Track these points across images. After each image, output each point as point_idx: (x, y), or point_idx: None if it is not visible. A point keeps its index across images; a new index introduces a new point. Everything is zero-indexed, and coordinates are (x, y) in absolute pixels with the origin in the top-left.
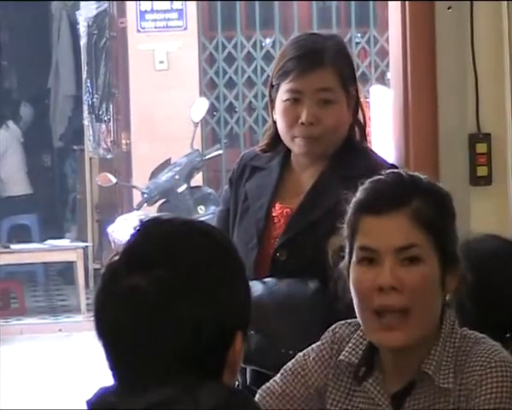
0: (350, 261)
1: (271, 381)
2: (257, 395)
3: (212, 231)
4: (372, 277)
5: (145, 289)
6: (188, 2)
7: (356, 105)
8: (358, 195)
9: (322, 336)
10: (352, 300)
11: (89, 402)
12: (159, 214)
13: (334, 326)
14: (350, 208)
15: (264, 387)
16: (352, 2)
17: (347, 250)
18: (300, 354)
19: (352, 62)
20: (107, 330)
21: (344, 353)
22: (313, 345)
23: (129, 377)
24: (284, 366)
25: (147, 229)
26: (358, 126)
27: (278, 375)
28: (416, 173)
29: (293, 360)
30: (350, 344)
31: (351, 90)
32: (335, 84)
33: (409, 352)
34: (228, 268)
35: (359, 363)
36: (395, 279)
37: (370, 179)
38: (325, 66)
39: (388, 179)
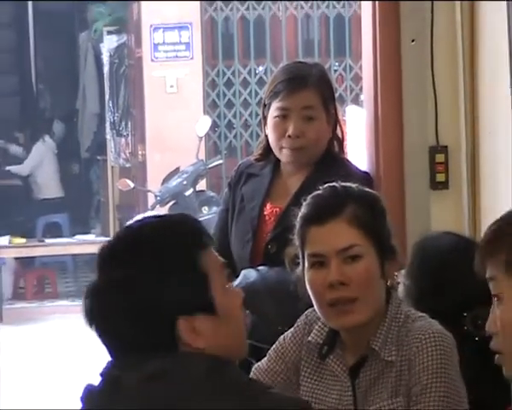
0: (303, 268)
1: (261, 361)
2: (251, 374)
3: (168, 232)
4: (323, 277)
5: (104, 284)
6: (193, 35)
7: (335, 122)
8: (303, 209)
9: (298, 320)
10: (308, 299)
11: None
12: (141, 217)
13: (307, 311)
14: (298, 222)
15: (255, 365)
16: (331, 36)
17: (300, 258)
18: (281, 336)
19: (331, 86)
20: (89, 317)
21: (311, 335)
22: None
23: (118, 355)
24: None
25: (118, 234)
26: (337, 140)
27: (266, 356)
28: (349, 184)
29: (276, 342)
30: (316, 327)
31: (330, 109)
32: (317, 103)
33: (360, 331)
34: (169, 267)
35: (323, 343)
36: (342, 276)
37: (311, 195)
38: (309, 87)
39: (325, 193)
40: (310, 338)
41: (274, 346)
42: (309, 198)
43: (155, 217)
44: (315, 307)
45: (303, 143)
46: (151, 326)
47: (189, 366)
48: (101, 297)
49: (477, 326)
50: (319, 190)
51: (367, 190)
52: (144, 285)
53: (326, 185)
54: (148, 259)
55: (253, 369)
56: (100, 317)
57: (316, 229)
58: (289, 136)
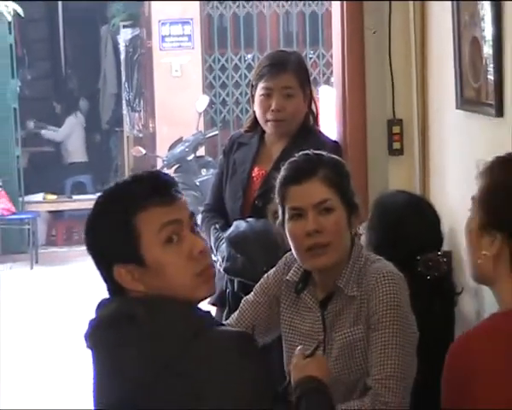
0: (283, 220)
1: (249, 295)
2: (240, 305)
3: (114, 195)
4: (301, 226)
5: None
6: (194, 29)
7: (310, 100)
8: (282, 172)
9: (279, 261)
10: (287, 245)
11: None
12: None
13: (286, 254)
14: (278, 183)
15: (244, 298)
16: (307, 29)
17: (280, 212)
18: (265, 274)
19: (307, 70)
20: None
21: (289, 274)
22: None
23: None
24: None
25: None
26: (312, 115)
27: (252, 291)
28: (320, 152)
29: (261, 279)
30: (294, 268)
31: (306, 89)
32: (295, 84)
33: (329, 271)
34: (105, 223)
35: (299, 281)
36: (317, 225)
37: (288, 161)
38: (288, 71)
39: (301, 159)
40: (288, 277)
41: (259, 282)
42: (286, 163)
43: (127, 179)
44: (293, 251)
45: (284, 116)
46: (101, 270)
47: (130, 310)
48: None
49: (429, 267)
50: (295, 157)
51: (335, 157)
52: (94, 235)
53: (301, 153)
54: (96, 215)
55: (242, 301)
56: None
57: (295, 187)
58: (272, 110)
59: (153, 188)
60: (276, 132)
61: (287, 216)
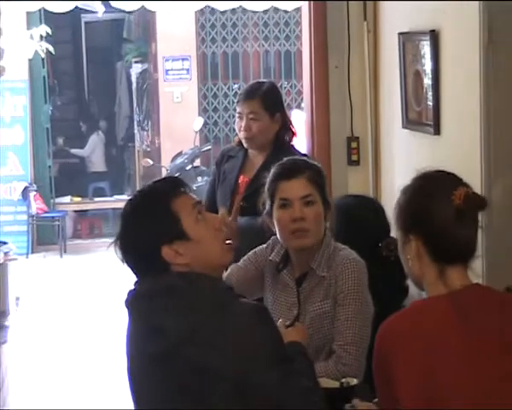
0: (271, 211)
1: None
2: (229, 269)
3: (152, 189)
4: (288, 214)
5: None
6: (191, 64)
7: (283, 121)
8: (274, 171)
9: (267, 242)
10: (271, 232)
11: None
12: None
13: (272, 238)
14: (269, 179)
15: (233, 265)
16: (283, 64)
17: (268, 203)
18: (255, 249)
19: (276, 96)
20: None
21: (272, 255)
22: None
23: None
24: None
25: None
26: (290, 133)
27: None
28: (305, 158)
29: (250, 252)
30: (275, 250)
31: (274, 112)
32: (260, 109)
33: (305, 254)
34: (149, 214)
35: (279, 261)
36: (302, 213)
37: (279, 163)
38: (254, 98)
39: (290, 161)
40: (271, 257)
41: (248, 254)
42: (277, 165)
43: (153, 182)
44: (279, 234)
45: (251, 135)
46: (145, 256)
47: (171, 282)
48: (119, 239)
49: (391, 250)
50: (284, 161)
51: (317, 163)
52: (138, 227)
53: (289, 158)
54: (136, 211)
55: (231, 265)
56: (120, 251)
57: (285, 182)
58: (242, 130)
59: (175, 183)
60: (248, 147)
61: (276, 205)
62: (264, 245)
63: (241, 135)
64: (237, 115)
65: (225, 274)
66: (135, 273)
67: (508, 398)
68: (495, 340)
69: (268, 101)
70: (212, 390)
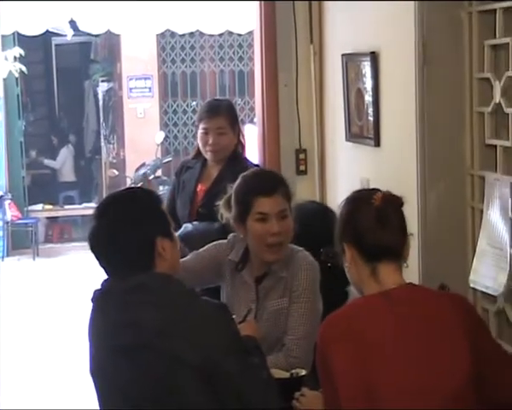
0: (241, 220)
1: (200, 250)
2: (190, 255)
3: (138, 192)
4: (266, 228)
5: (98, 228)
6: (153, 82)
7: (238, 135)
8: (249, 185)
9: (226, 240)
10: (229, 231)
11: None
12: (121, 189)
13: (231, 235)
14: (243, 189)
15: (195, 252)
16: (237, 82)
17: (238, 211)
18: (216, 242)
19: (235, 113)
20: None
21: (231, 254)
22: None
23: (110, 273)
24: None
25: (106, 197)
26: (241, 146)
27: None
28: (277, 172)
29: (211, 244)
30: (234, 249)
31: (235, 127)
32: (226, 125)
33: None
34: (145, 208)
35: (239, 261)
36: (280, 228)
37: (252, 175)
38: (220, 115)
39: (267, 176)
40: (230, 257)
41: (209, 247)
42: (251, 178)
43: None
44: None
45: (218, 149)
46: (140, 245)
47: (154, 281)
48: (98, 236)
49: (329, 257)
50: (260, 174)
51: (287, 179)
52: (132, 217)
53: (262, 169)
54: (130, 203)
55: (192, 253)
56: (98, 246)
57: (264, 198)
58: (209, 144)
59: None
60: (214, 160)
61: (252, 218)
62: (225, 240)
63: (208, 149)
64: (202, 131)
65: (184, 259)
66: (111, 270)
67: (436, 387)
68: (424, 334)
69: (231, 116)
70: (181, 378)
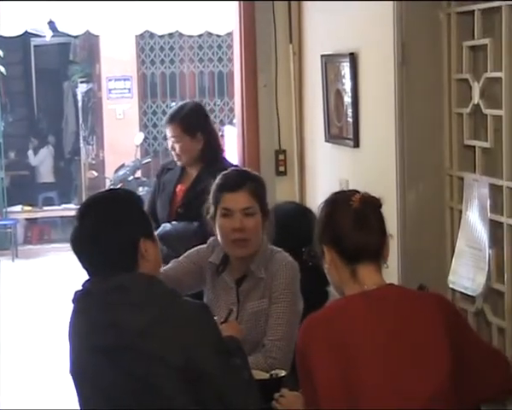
0: (215, 217)
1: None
2: (170, 263)
3: (120, 194)
4: (230, 223)
5: (81, 229)
6: (133, 83)
7: (208, 138)
8: (218, 181)
9: (207, 242)
10: (209, 234)
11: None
12: (103, 190)
13: (211, 239)
14: (214, 188)
15: (175, 260)
16: (216, 83)
17: (213, 210)
18: (195, 248)
19: (199, 116)
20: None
21: (212, 256)
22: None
23: (92, 273)
24: None
25: (88, 199)
26: (216, 147)
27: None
28: (248, 170)
29: (193, 250)
30: (215, 252)
31: (194, 132)
32: (179, 132)
33: (245, 259)
34: (129, 209)
35: (219, 263)
36: (242, 224)
37: (223, 173)
38: (174, 123)
39: (234, 172)
40: (211, 259)
41: (189, 252)
42: (221, 175)
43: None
44: (221, 241)
45: (177, 153)
46: (124, 246)
47: (136, 282)
48: (80, 237)
49: (311, 256)
50: (229, 171)
51: (258, 174)
52: (116, 218)
53: (233, 168)
54: (114, 204)
55: (172, 261)
56: (81, 247)
57: (228, 194)
58: (173, 150)
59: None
60: (181, 164)
61: (219, 213)
62: (205, 245)
63: (174, 155)
64: (167, 137)
65: (165, 267)
66: (93, 271)
67: (417, 387)
68: (405, 334)
69: (186, 124)
70: (163, 379)
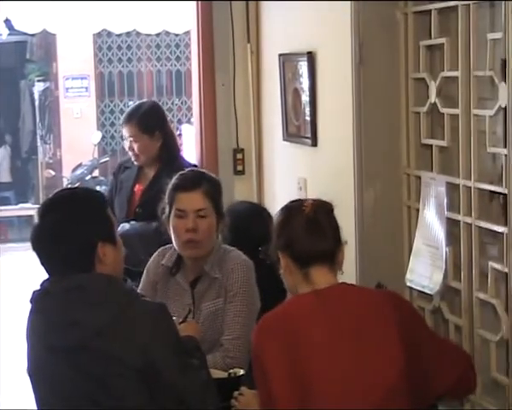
0: (169, 217)
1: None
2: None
3: (80, 193)
4: (183, 224)
5: (41, 228)
6: (90, 82)
7: (166, 136)
8: (174, 181)
9: (158, 250)
10: (167, 234)
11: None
12: (64, 187)
13: (161, 248)
14: (169, 188)
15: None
16: (174, 82)
17: (167, 209)
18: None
19: (155, 116)
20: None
21: (164, 259)
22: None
23: (51, 272)
24: None
25: (50, 197)
26: (173, 146)
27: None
28: (203, 170)
29: (143, 274)
30: (167, 255)
31: (153, 132)
32: (136, 132)
33: (198, 259)
34: (84, 212)
35: (172, 266)
36: (195, 225)
37: (179, 173)
38: (131, 123)
39: (189, 173)
40: (163, 262)
41: (142, 277)
42: (178, 174)
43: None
44: (174, 241)
45: (135, 153)
46: (82, 248)
47: (95, 281)
48: (40, 235)
49: (268, 255)
50: (185, 172)
51: (213, 175)
52: (75, 219)
53: (189, 169)
54: (74, 204)
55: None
56: (40, 245)
57: (183, 194)
58: (130, 150)
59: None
60: (139, 164)
61: (172, 214)
62: (154, 254)
63: (132, 155)
64: (125, 137)
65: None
66: (52, 270)
67: (370, 383)
68: (357, 331)
69: (144, 123)
70: (120, 379)
